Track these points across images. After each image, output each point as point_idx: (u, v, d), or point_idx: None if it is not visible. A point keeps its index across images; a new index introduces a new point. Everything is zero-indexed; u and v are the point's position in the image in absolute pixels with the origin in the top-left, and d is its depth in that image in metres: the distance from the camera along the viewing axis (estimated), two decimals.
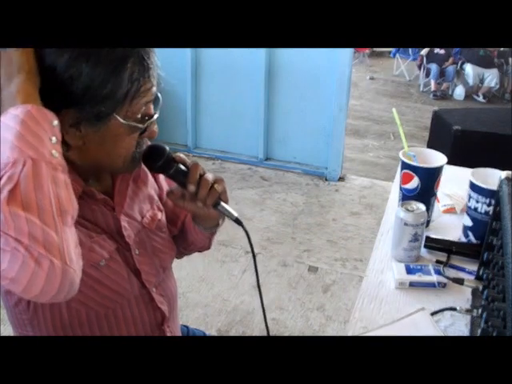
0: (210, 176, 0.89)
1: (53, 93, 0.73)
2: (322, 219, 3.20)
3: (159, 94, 0.87)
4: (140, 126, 0.82)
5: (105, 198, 0.90)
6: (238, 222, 0.92)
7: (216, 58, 3.69)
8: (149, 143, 0.96)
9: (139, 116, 0.82)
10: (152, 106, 0.85)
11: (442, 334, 0.95)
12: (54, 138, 0.70)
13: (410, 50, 7.44)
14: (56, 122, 0.71)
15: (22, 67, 0.72)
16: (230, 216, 0.92)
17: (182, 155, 0.91)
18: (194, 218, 1.01)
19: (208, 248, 1.10)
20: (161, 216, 1.02)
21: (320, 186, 3.62)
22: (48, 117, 0.70)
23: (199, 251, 1.13)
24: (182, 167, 0.90)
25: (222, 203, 0.91)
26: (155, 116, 0.85)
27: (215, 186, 0.89)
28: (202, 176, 0.89)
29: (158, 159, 0.88)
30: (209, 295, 2.47)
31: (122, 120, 0.80)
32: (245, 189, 3.52)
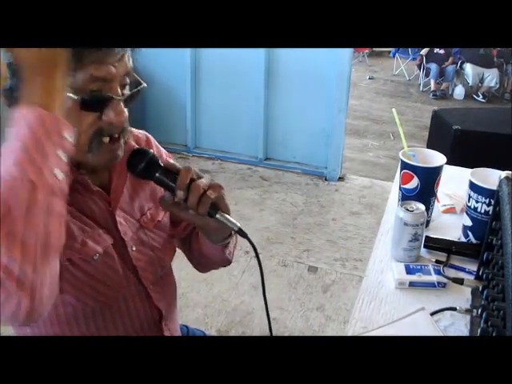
0: (203, 181, 0.81)
1: None
2: (322, 219, 3.20)
3: (143, 82, 0.83)
4: (74, 97, 0.75)
5: (99, 191, 0.89)
6: (240, 233, 0.84)
7: (215, 57, 3.68)
8: (130, 146, 0.91)
9: (90, 90, 0.76)
10: (118, 88, 0.80)
11: (442, 334, 0.95)
12: (60, 153, 0.65)
13: (410, 49, 7.45)
14: (67, 134, 0.67)
15: (55, 66, 0.68)
16: (232, 227, 0.83)
17: (171, 161, 0.85)
18: (198, 229, 0.95)
19: (229, 263, 1.02)
20: (162, 216, 1.00)
21: (320, 186, 3.62)
22: (60, 127, 0.66)
23: (222, 266, 1.06)
24: (169, 171, 0.82)
25: (221, 212, 0.82)
26: (113, 99, 0.79)
27: (208, 192, 0.80)
28: (193, 181, 0.81)
29: (140, 162, 0.81)
30: (209, 295, 2.47)
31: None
32: (244, 189, 3.52)
